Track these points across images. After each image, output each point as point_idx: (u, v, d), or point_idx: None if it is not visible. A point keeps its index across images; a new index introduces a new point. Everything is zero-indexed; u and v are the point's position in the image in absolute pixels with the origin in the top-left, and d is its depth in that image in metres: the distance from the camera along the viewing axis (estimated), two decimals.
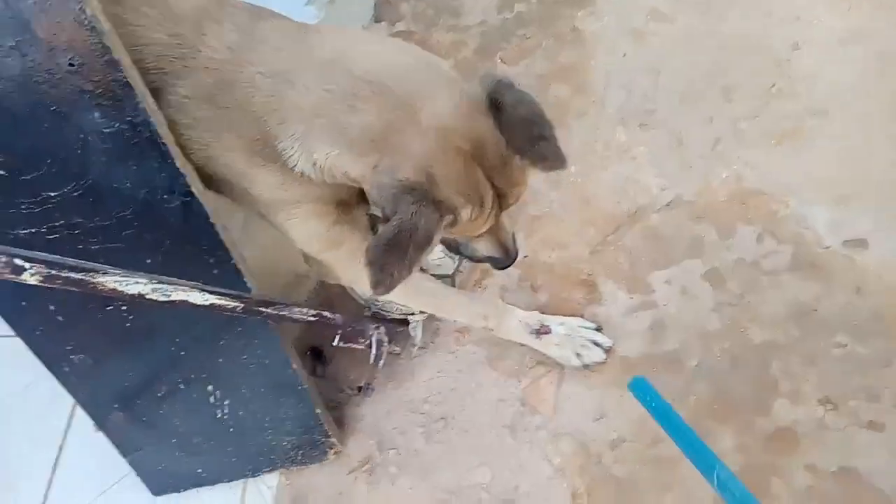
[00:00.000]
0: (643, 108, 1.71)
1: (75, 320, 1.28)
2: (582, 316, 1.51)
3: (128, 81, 0.98)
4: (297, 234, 1.26)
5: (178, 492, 1.59)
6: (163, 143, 1.05)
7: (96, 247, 1.15)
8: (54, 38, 0.94)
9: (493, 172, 1.02)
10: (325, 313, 1.37)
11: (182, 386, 1.42)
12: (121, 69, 0.97)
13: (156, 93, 1.07)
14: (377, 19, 2.16)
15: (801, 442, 1.27)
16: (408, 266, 0.94)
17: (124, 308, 1.26)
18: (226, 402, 1.45)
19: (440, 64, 1.07)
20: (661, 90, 1.72)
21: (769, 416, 1.31)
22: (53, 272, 0.88)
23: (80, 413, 1.55)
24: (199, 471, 1.56)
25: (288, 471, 1.58)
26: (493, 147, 1.00)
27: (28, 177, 1.06)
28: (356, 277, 1.37)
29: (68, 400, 1.45)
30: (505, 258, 1.26)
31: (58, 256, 0.89)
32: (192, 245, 1.18)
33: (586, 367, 1.44)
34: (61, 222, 1.12)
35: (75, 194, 1.08)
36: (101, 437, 1.51)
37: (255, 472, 1.57)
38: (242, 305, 1.16)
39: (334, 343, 1.45)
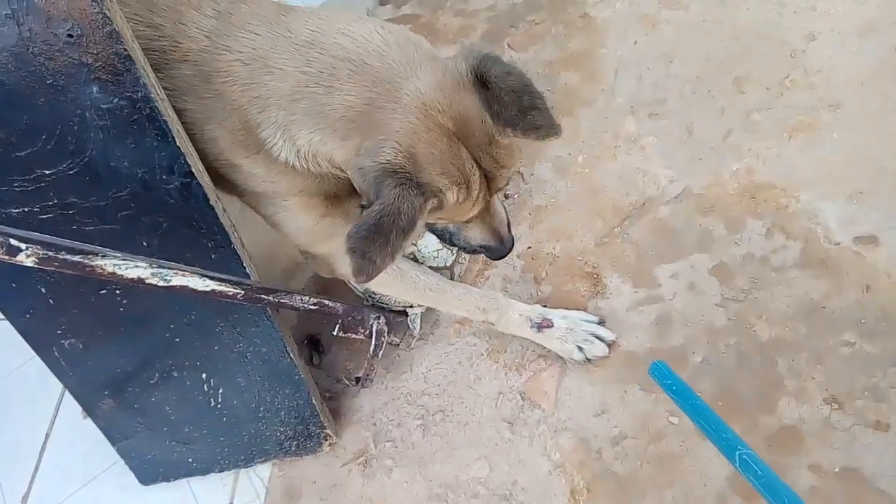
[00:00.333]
0: (654, 97, 1.69)
1: (67, 303, 1.25)
2: (585, 309, 1.49)
3: (129, 54, 0.95)
4: (287, 227, 1.24)
5: (168, 481, 1.57)
6: (163, 121, 1.01)
7: (91, 228, 1.11)
8: (52, 6, 0.90)
9: (480, 152, 1.00)
10: (326, 301, 1.34)
11: (175, 373, 1.39)
12: (122, 41, 0.94)
13: None
14: (382, 2, 2.11)
15: (806, 441, 1.26)
16: (391, 253, 0.92)
17: (118, 292, 1.23)
18: (220, 391, 1.42)
19: (421, 42, 1.05)
20: (672, 79, 1.69)
21: (774, 414, 1.29)
22: (51, 254, 0.85)
23: (69, 400, 1.52)
24: (190, 460, 1.53)
25: (281, 462, 1.56)
26: (479, 125, 0.98)
27: (22, 153, 1.02)
28: (349, 270, 1.35)
29: (57, 386, 1.41)
30: (499, 246, 1.24)
31: (55, 237, 0.86)
32: (191, 228, 1.15)
33: (589, 361, 1.43)
34: (55, 201, 1.08)
35: (71, 172, 1.05)
36: (89, 425, 1.47)
37: (247, 462, 1.55)
38: (243, 292, 1.14)
39: (334, 332, 1.43)
